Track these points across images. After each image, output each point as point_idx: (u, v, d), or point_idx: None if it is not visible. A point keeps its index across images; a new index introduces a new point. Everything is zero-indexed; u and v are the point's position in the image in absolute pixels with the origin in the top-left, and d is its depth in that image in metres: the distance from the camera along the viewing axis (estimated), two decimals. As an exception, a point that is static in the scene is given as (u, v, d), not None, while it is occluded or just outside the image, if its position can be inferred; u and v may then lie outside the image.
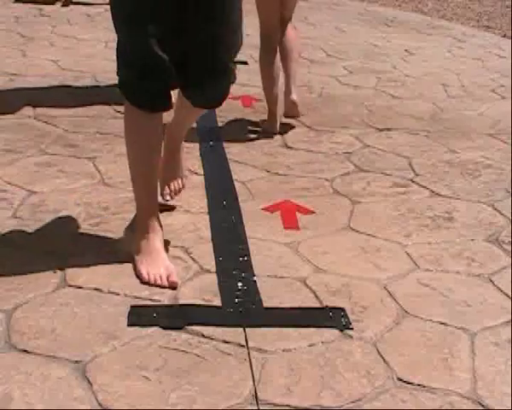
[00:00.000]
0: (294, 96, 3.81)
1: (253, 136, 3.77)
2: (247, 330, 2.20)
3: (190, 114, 2.68)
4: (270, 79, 3.80)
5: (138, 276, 2.40)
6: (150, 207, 2.49)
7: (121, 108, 3.97)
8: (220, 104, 2.53)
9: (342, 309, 2.33)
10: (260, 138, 3.74)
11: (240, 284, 2.45)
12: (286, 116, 3.95)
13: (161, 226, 2.52)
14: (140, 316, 2.24)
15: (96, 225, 2.77)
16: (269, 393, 1.95)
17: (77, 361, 2.02)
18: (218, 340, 2.15)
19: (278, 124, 3.84)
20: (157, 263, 2.41)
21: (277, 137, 3.76)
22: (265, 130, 3.84)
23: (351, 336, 2.21)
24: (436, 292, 2.48)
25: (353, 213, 3.01)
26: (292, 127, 3.89)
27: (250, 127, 3.88)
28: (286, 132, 3.81)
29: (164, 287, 2.36)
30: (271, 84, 3.80)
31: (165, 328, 2.19)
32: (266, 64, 3.82)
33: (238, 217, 2.91)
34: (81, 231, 2.73)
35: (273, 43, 3.80)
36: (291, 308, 2.34)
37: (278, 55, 3.81)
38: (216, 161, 3.46)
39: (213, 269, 2.53)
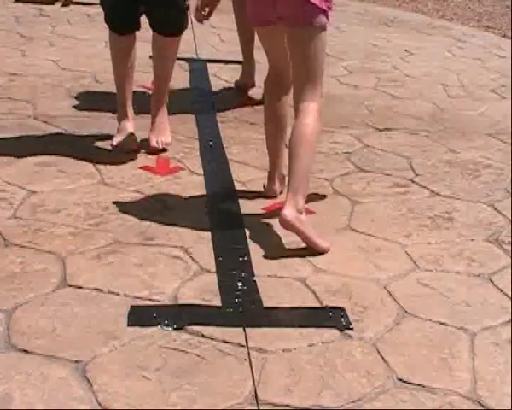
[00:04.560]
0: (285, 212, 2.61)
1: (253, 136, 3.76)
2: (247, 330, 2.20)
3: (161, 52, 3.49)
4: (270, 134, 3.08)
5: (111, 145, 3.46)
6: (120, 99, 3.54)
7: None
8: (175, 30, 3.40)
9: (342, 309, 2.33)
10: (260, 138, 3.73)
11: (240, 283, 2.45)
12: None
13: (131, 111, 3.55)
14: (140, 316, 2.24)
15: (95, 225, 2.77)
16: (269, 393, 1.95)
17: (77, 361, 2.03)
18: (218, 340, 2.15)
19: (278, 188, 3.08)
20: (123, 137, 3.46)
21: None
22: (266, 194, 3.09)
23: (351, 336, 2.21)
24: (436, 292, 2.48)
25: (353, 213, 3.01)
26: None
27: (250, 127, 3.87)
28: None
29: (125, 152, 3.42)
30: (272, 141, 3.08)
31: (165, 328, 2.19)
32: (267, 114, 3.07)
33: (238, 217, 2.91)
34: (81, 231, 2.73)
35: (280, 80, 2.99)
36: (291, 308, 2.34)
37: (288, 101, 3.01)
38: (216, 161, 3.46)
39: (213, 269, 2.53)
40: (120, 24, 3.42)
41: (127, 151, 3.43)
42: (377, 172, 3.42)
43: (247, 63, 4.50)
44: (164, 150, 3.47)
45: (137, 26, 3.44)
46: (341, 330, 2.23)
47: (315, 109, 2.78)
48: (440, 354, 2.16)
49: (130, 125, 3.51)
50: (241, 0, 4.45)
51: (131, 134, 3.49)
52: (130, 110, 3.53)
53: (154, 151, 3.44)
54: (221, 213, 2.95)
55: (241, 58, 4.74)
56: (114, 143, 3.47)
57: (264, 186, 3.14)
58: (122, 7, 3.37)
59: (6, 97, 4.08)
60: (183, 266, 2.54)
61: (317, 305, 2.37)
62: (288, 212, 2.61)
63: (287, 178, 2.80)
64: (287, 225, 2.62)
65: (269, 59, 3.03)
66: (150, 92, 3.80)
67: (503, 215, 3.06)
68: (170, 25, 3.39)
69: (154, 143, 3.46)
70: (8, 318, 2.20)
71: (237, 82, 4.54)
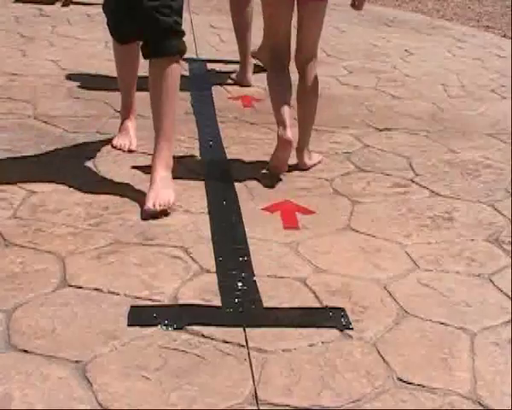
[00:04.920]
0: (306, 160, 3.36)
1: (253, 136, 3.76)
2: (247, 330, 2.20)
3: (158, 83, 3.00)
4: (279, 101, 3.20)
5: (111, 144, 3.47)
6: (124, 100, 3.51)
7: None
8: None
9: (342, 309, 2.33)
10: (260, 138, 3.73)
11: (240, 284, 2.45)
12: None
13: (134, 111, 3.53)
14: (140, 316, 2.24)
15: (96, 225, 2.77)
16: (269, 393, 1.95)
17: (77, 361, 2.03)
18: (218, 340, 2.15)
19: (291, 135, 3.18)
20: (124, 138, 3.47)
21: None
22: (274, 167, 3.27)
23: (351, 336, 2.21)
24: (436, 292, 2.48)
25: (353, 213, 3.01)
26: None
27: (250, 127, 3.88)
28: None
29: (124, 151, 3.43)
30: (281, 108, 3.17)
31: (165, 328, 2.19)
32: (273, 84, 3.27)
33: (238, 217, 2.91)
34: (81, 231, 2.73)
35: (282, 59, 3.25)
36: (291, 308, 2.34)
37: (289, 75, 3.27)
38: (216, 162, 3.46)
39: (213, 269, 2.53)
40: (122, 34, 3.29)
41: (128, 151, 3.43)
42: (377, 172, 3.43)
43: (244, 62, 4.55)
44: (163, 212, 2.85)
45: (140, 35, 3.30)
46: (341, 330, 2.23)
47: (315, 67, 3.31)
48: (440, 354, 2.16)
49: (131, 126, 3.51)
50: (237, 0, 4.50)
51: (133, 135, 3.48)
52: (132, 111, 3.52)
53: (147, 215, 2.82)
54: (221, 213, 2.94)
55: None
56: (115, 142, 3.47)
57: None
58: (123, 17, 3.13)
59: (6, 97, 4.08)
60: (183, 266, 2.54)
61: (317, 305, 2.37)
62: (305, 163, 3.37)
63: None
64: (305, 168, 3.37)
65: (269, 36, 3.32)
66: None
67: (503, 215, 3.06)
68: (164, 46, 2.91)
69: (148, 204, 2.81)
70: (8, 318, 2.20)
71: (234, 79, 4.60)
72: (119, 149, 3.44)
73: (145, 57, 3.01)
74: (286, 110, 3.17)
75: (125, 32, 3.26)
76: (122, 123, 3.53)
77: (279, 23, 3.22)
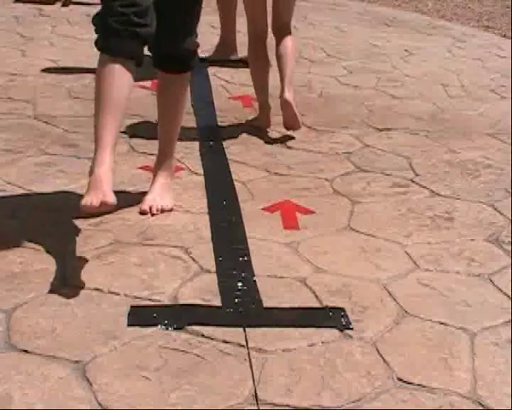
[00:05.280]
0: (286, 95, 3.58)
1: (253, 136, 3.76)
2: (247, 330, 2.20)
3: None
4: (258, 74, 3.79)
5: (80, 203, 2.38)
6: (103, 141, 2.47)
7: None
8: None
9: (342, 309, 2.33)
10: (260, 138, 3.73)
11: (240, 284, 2.45)
12: (285, 126, 3.69)
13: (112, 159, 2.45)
14: (140, 316, 2.24)
15: (95, 225, 2.77)
16: (269, 393, 1.95)
17: (77, 361, 2.03)
18: (218, 340, 2.15)
19: (269, 119, 3.86)
20: (96, 191, 2.36)
21: (277, 137, 3.76)
22: (256, 126, 3.84)
23: (351, 336, 2.21)
24: (436, 292, 2.48)
25: (353, 213, 3.01)
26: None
27: (250, 127, 3.88)
28: (285, 132, 3.80)
29: (96, 208, 2.36)
30: (260, 80, 3.78)
31: (165, 328, 2.19)
32: (254, 59, 3.80)
33: (238, 217, 2.91)
34: (81, 231, 2.73)
35: (261, 38, 3.76)
36: (291, 308, 2.34)
37: (267, 51, 3.78)
38: (216, 161, 3.46)
39: (213, 269, 2.53)
40: (119, 52, 2.50)
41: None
42: (377, 172, 3.42)
43: (228, 36, 4.95)
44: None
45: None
46: (341, 330, 2.23)
47: (291, 38, 3.76)
48: (440, 354, 2.16)
49: (109, 174, 2.43)
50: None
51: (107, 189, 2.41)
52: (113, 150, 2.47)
53: (143, 213, 2.85)
54: (221, 213, 2.95)
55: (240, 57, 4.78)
56: (83, 202, 2.38)
57: (251, 119, 3.91)
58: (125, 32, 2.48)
59: (6, 97, 4.09)
60: (183, 266, 2.54)
61: (317, 305, 2.37)
62: (288, 95, 3.58)
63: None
64: (287, 104, 3.59)
65: (250, 21, 3.78)
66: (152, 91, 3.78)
67: (503, 215, 3.06)
68: (182, 65, 2.85)
69: (144, 206, 2.86)
70: (8, 318, 2.20)
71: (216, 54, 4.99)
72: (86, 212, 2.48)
73: (156, 67, 2.87)
74: (265, 90, 3.82)
75: (125, 50, 2.51)
76: (94, 171, 2.42)
77: (257, 10, 3.73)
